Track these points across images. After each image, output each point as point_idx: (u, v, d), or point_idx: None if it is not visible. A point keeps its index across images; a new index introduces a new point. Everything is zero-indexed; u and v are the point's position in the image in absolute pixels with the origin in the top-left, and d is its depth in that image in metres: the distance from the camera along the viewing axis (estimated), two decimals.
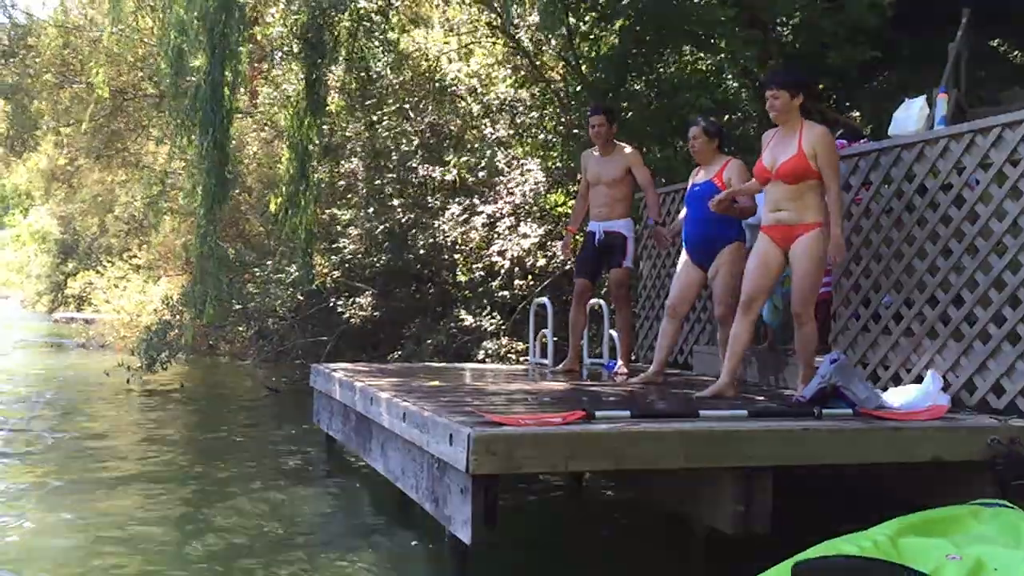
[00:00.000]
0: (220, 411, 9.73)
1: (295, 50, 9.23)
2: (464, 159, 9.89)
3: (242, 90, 11.34)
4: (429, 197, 9.93)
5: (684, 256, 5.71)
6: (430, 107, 10.23)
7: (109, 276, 21.12)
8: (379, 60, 10.11)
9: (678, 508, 4.34)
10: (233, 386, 12.05)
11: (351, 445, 5.98)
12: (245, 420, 8.99)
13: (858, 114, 8.94)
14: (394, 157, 10.08)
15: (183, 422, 8.89)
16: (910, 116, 5.17)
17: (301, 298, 10.25)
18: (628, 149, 6.23)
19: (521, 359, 8.52)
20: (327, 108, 10.11)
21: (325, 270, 10.35)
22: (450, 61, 10.24)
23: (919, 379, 4.63)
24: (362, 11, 9.34)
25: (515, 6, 8.86)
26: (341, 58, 9.65)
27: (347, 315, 9.67)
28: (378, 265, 9.82)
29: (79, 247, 27.90)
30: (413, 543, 4.54)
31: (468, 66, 10.25)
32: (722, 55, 8.57)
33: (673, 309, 5.62)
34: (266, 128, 12.87)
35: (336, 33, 9.03)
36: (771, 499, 3.73)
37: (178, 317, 13.43)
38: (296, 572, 4.02)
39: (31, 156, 16.55)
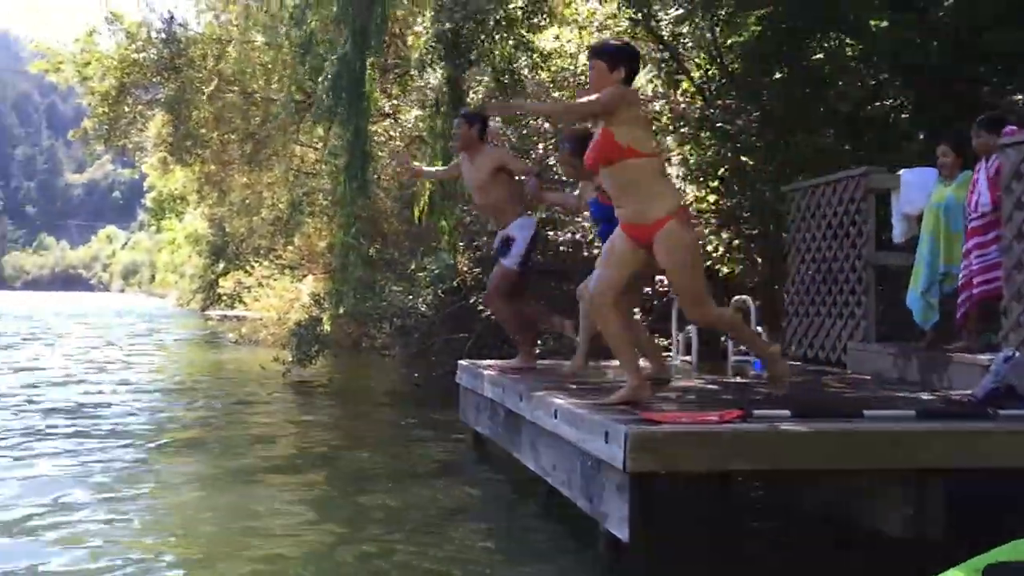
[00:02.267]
0: (366, 405, 10.04)
1: (438, 54, 9.44)
2: None
3: (383, 92, 11.68)
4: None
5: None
6: None
7: (257, 275, 22.12)
8: (518, 60, 10.20)
9: (837, 511, 4.21)
10: (378, 381, 12.41)
11: (499, 441, 6.06)
12: (391, 415, 9.24)
13: (1021, 97, 8.42)
14: (533, 156, 10.15)
15: (331, 415, 9.21)
16: None
17: (442, 295, 10.45)
18: (492, 149, 5.93)
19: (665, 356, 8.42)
20: (468, 107, 10.27)
21: (465, 268, 10.51)
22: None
23: None
24: (506, 14, 9.45)
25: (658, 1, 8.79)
26: (481, 59, 9.80)
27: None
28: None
29: (229, 248, 29.25)
30: (565, 539, 4.56)
31: None
32: (872, 41, 8.23)
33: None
34: (405, 127, 13.19)
35: (478, 36, 9.18)
36: (944, 503, 3.57)
37: (323, 314, 13.97)
38: (447, 560, 4.09)
39: (188, 163, 17.49)
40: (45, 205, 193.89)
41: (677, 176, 9.25)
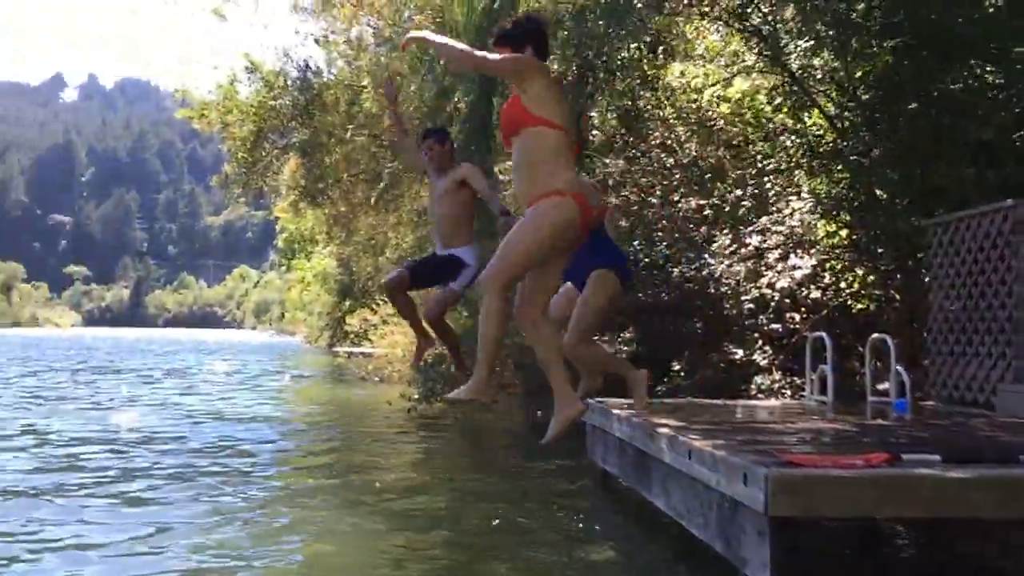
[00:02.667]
0: (491, 442, 10.10)
1: (565, 92, 9.54)
2: (729, 190, 9.73)
3: None
4: (692, 229, 9.83)
5: None
6: (695, 139, 10.16)
7: (382, 313, 22.66)
8: (641, 97, 10.21)
9: (993, 561, 3.97)
10: (501, 417, 12.47)
11: (628, 481, 5.99)
12: (515, 452, 9.26)
13: None
14: (658, 192, 10.09)
15: (456, 451, 9.32)
16: None
17: None
18: (462, 165, 5.74)
19: (797, 395, 8.18)
20: (591, 144, 10.34)
21: None
22: (714, 92, 10.14)
23: None
24: (630, 53, 9.50)
25: (786, 35, 8.65)
26: (606, 95, 9.86)
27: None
28: (641, 299, 9.82)
29: (355, 286, 30.05)
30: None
31: (733, 95, 10.10)
32: (1014, 68, 7.87)
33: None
34: None
35: (604, 72, 9.24)
36: None
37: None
38: None
39: (319, 203, 18.15)
40: (185, 246, 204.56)
41: (807, 211, 9.02)
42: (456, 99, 10.61)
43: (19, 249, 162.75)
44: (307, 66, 15.81)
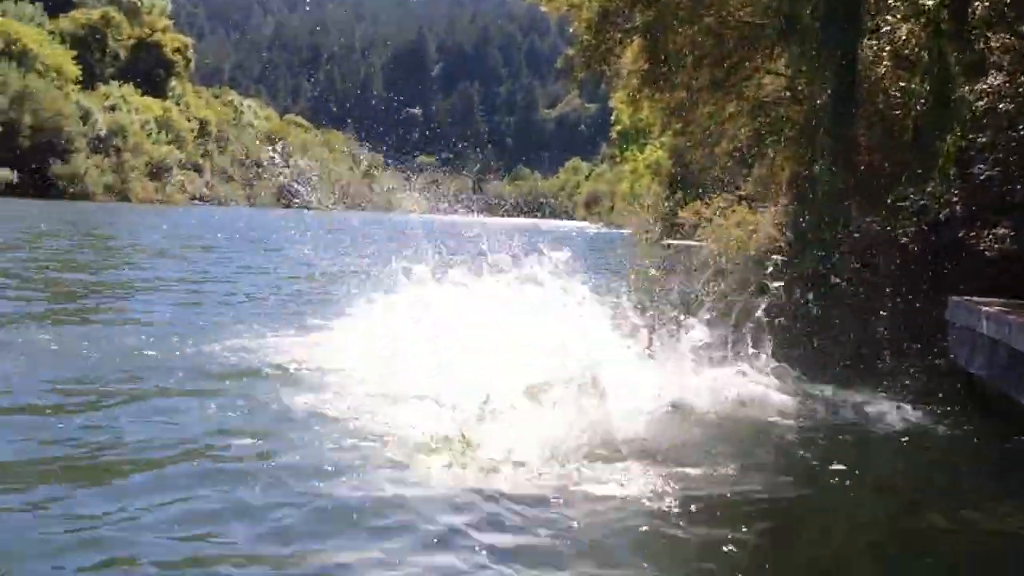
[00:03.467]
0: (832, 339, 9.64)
1: None
2: None
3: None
4: None
5: None
6: None
7: (715, 206, 22.25)
8: None
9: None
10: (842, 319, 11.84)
11: (998, 383, 5.45)
12: (862, 352, 8.76)
13: None
14: None
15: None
16: None
17: (926, 228, 9.58)
18: None
19: None
20: (968, 19, 9.18)
21: (956, 198, 9.51)
22: None
23: None
24: None
25: None
26: None
27: (981, 247, 8.81)
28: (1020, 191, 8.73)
29: (688, 179, 29.76)
30: None
31: None
32: None
33: None
34: (895, 44, 12.17)
35: None
36: None
37: (785, 246, 13.62)
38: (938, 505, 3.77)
39: (659, 88, 17.94)
40: (522, 138, 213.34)
41: None
42: None
43: (378, 139, 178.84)
44: None
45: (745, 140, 20.14)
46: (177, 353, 6.20)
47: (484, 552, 3.10)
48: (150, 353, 6.16)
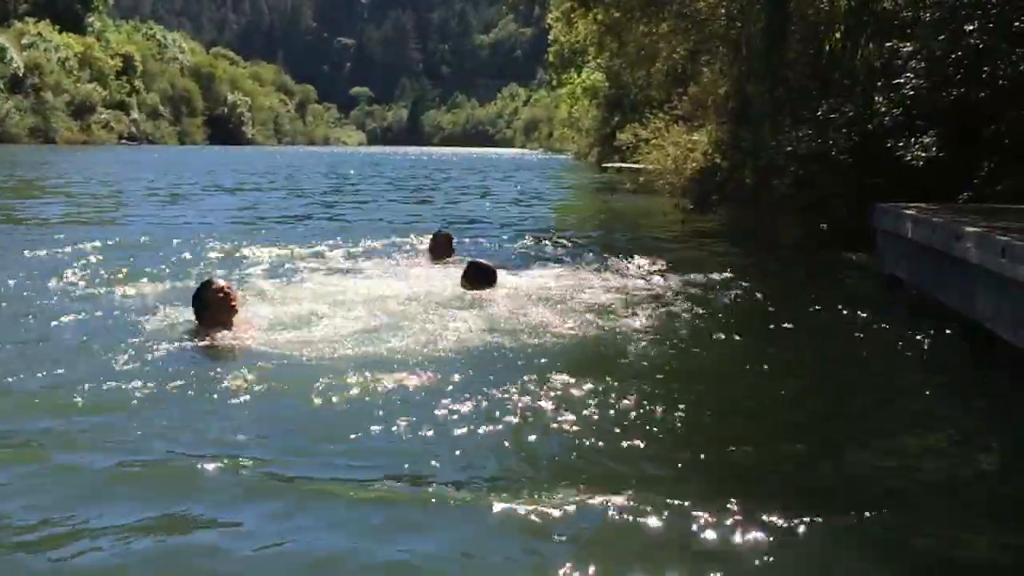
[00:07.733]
0: (768, 254, 9.89)
1: None
2: None
3: None
4: (1015, 18, 8.67)
5: None
6: None
7: (652, 127, 22.31)
8: None
9: None
10: (780, 228, 12.10)
11: (922, 286, 5.69)
12: (797, 262, 9.02)
13: None
14: None
15: (738, 259, 9.19)
16: None
17: (855, 139, 9.79)
18: None
19: None
20: None
21: (882, 108, 9.72)
22: None
23: None
24: None
25: None
26: None
27: (908, 157, 9.04)
28: (947, 101, 8.94)
29: (625, 101, 29.75)
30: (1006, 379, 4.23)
31: None
32: None
33: None
34: None
35: None
36: None
37: (723, 162, 13.80)
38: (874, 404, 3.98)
39: (593, 11, 17.81)
40: (457, 66, 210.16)
41: None
42: None
43: (310, 71, 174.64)
44: None
45: (680, 59, 20.15)
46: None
47: None
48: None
